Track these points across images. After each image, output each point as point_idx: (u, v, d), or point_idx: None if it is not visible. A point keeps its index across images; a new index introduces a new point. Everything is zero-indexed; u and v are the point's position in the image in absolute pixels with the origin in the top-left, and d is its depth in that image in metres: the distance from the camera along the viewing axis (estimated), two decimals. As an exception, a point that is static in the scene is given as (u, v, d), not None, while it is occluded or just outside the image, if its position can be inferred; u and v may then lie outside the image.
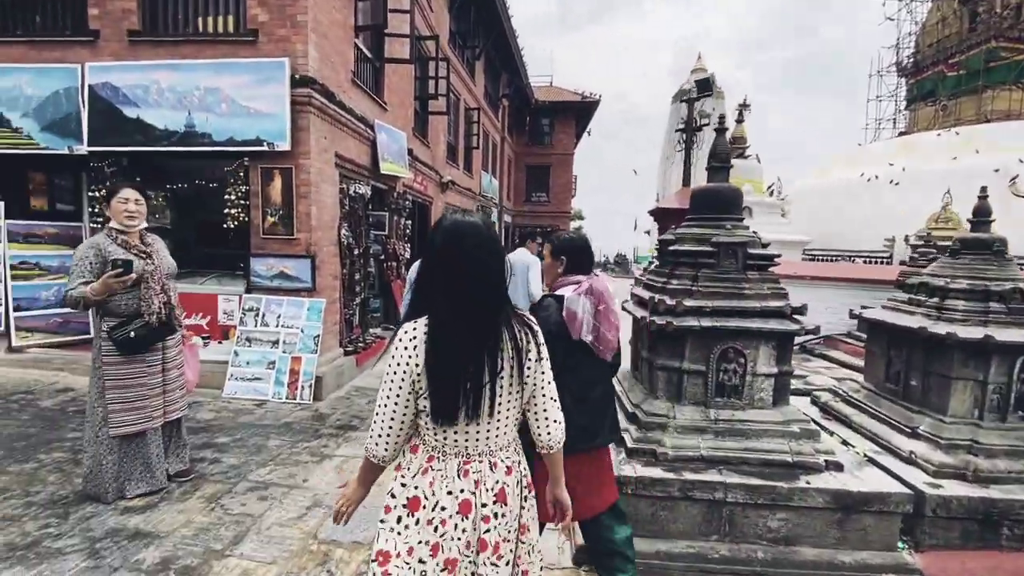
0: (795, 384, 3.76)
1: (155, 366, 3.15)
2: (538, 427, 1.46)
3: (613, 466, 2.31)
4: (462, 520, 1.34)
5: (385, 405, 1.33)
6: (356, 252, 6.86)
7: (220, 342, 5.84)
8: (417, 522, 1.34)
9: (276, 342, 5.56)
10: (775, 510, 2.66)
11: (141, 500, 3.11)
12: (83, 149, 5.69)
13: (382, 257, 8.25)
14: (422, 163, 9.95)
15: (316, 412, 5.03)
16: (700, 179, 4.09)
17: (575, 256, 2.13)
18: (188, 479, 3.41)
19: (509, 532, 1.41)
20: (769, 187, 15.72)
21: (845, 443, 3.29)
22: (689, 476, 2.69)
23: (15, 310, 5.98)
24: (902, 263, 10.21)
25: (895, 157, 16.66)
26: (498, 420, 1.36)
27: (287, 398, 5.30)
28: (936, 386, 3.14)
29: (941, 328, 3.01)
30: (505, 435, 1.40)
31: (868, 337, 3.94)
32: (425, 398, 1.30)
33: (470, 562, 1.36)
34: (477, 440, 1.36)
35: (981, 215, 3.35)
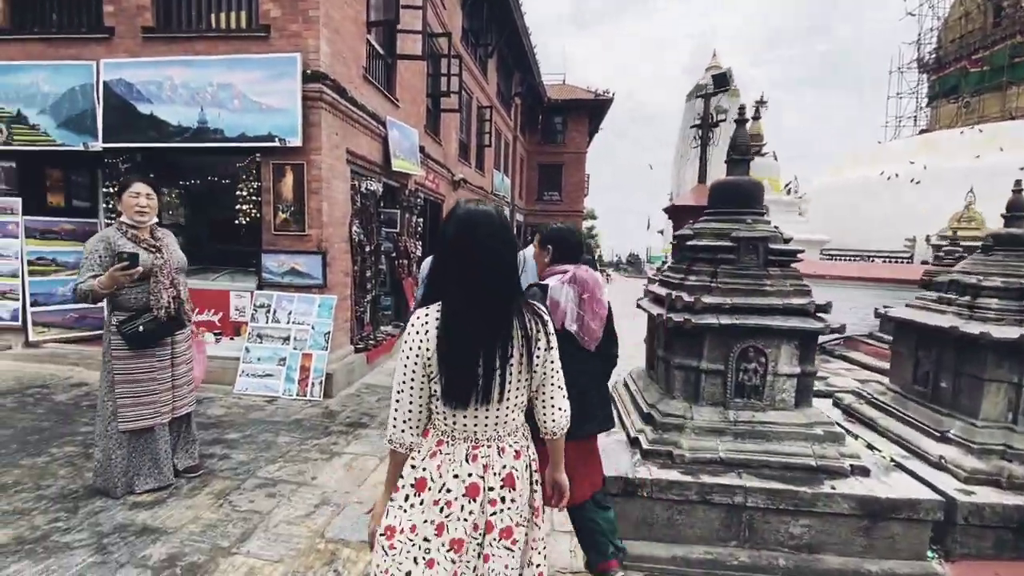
0: (816, 386, 3.64)
1: (164, 360, 3.13)
2: (544, 413, 1.49)
3: (600, 454, 2.32)
4: (469, 502, 1.37)
5: (401, 391, 1.36)
6: (367, 249, 6.83)
7: (232, 338, 5.85)
8: (422, 502, 1.37)
9: (287, 339, 5.55)
10: (798, 516, 2.56)
11: (149, 495, 3.10)
12: (98, 145, 5.73)
13: (393, 255, 8.21)
14: (434, 161, 9.90)
15: (326, 409, 5.01)
16: (716, 176, 3.99)
17: (561, 245, 2.17)
18: (197, 475, 3.39)
19: (521, 517, 1.44)
20: (786, 185, 15.48)
21: (870, 447, 3.17)
22: (707, 479, 2.60)
23: (32, 305, 6.05)
24: (924, 263, 9.97)
25: (916, 155, 16.33)
26: (507, 406, 1.38)
27: (297, 395, 5.29)
28: (967, 388, 3.01)
29: (974, 328, 2.89)
30: (513, 420, 1.43)
31: (895, 337, 3.81)
32: (437, 381, 1.33)
33: (477, 544, 1.38)
34: (486, 425, 1.38)
35: (1016, 210, 3.22)
